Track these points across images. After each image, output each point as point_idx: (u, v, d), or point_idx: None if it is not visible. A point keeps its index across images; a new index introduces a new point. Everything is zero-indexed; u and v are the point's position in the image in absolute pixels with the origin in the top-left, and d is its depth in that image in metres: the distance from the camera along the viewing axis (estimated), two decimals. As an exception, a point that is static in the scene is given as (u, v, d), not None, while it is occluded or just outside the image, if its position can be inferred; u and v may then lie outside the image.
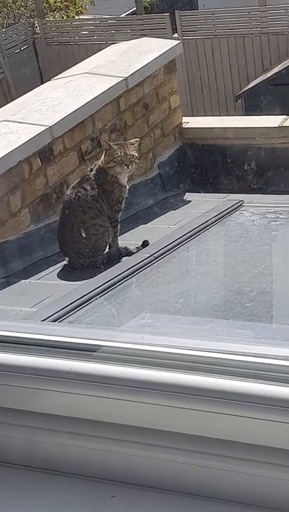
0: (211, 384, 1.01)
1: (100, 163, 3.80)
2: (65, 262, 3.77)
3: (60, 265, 3.78)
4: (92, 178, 3.75)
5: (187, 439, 1.02)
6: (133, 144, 3.82)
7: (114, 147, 3.75)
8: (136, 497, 1.03)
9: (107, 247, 3.79)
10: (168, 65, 4.89)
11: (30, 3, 14.58)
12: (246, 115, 9.97)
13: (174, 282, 3.22)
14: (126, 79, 4.52)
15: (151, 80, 4.77)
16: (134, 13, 14.36)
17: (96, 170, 3.77)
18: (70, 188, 3.80)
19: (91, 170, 3.80)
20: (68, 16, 14.98)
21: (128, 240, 3.92)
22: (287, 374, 1.04)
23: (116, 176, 3.74)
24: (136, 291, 3.19)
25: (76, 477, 1.06)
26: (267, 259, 3.37)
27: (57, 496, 1.05)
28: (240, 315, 2.70)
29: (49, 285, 3.53)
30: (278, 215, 3.89)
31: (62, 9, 15.06)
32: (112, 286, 3.14)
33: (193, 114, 10.95)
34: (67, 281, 3.61)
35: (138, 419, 1.04)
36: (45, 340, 1.13)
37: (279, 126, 4.85)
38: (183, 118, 5.15)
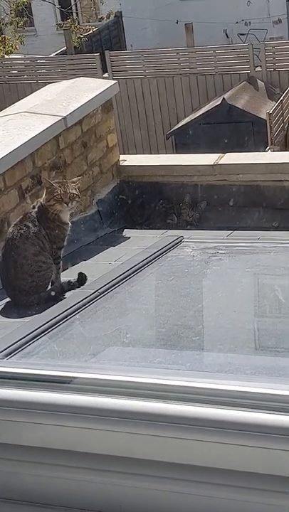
0: (189, 412, 1.05)
1: (41, 200, 3.82)
2: (7, 299, 3.76)
3: (2, 303, 3.77)
4: (34, 215, 3.77)
5: (169, 468, 1.05)
6: (74, 183, 3.86)
7: (55, 185, 3.79)
8: (121, 526, 1.04)
9: (50, 283, 3.80)
10: (105, 105, 4.98)
11: None
12: (176, 153, 10.16)
13: (120, 317, 3.25)
14: (65, 118, 4.57)
15: (89, 119, 4.84)
16: (64, 52, 14.51)
17: (38, 208, 3.80)
18: (13, 225, 3.80)
19: (33, 207, 3.82)
20: (-2, 55, 15.04)
21: (69, 276, 3.93)
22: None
23: (57, 214, 3.78)
24: (83, 327, 3.21)
25: (58, 508, 1.07)
26: (210, 293, 3.44)
27: (41, 528, 1.06)
28: (188, 348, 2.74)
29: (-7, 323, 3.51)
30: (218, 251, 3.98)
31: (-9, 48, 15.11)
32: (59, 322, 3.15)
33: (124, 152, 11.09)
34: (11, 318, 3.60)
35: (119, 449, 1.06)
36: (24, 373, 1.14)
37: (214, 164, 4.97)
38: (120, 156, 5.23)
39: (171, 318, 3.16)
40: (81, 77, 5.45)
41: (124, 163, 5.21)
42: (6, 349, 2.71)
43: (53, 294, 3.73)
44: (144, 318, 3.22)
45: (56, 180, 3.95)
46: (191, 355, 2.75)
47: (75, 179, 3.92)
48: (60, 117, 4.56)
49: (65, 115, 4.58)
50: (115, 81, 5.24)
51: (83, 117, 4.76)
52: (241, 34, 18.65)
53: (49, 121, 4.52)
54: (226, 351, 2.80)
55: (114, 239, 4.80)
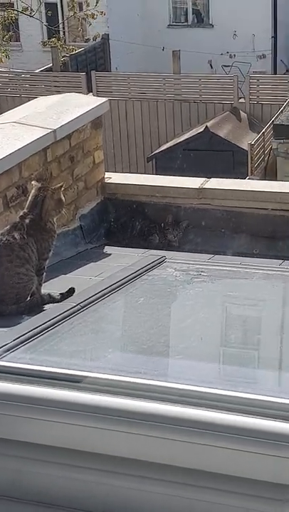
0: (205, 417, 1.04)
1: (37, 211, 3.79)
2: (-14, 308, 3.71)
3: (-19, 311, 3.72)
4: (25, 226, 3.72)
5: (182, 472, 1.04)
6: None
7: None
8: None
9: (31, 294, 3.77)
10: (95, 121, 4.98)
11: None
12: (156, 177, 10.18)
13: (102, 332, 3.23)
14: (54, 131, 4.57)
15: (79, 133, 4.84)
16: (48, 69, 14.54)
17: (30, 219, 3.75)
18: (-1, 234, 3.76)
19: (22, 217, 3.77)
20: (-17, 68, 15.03)
21: (49, 289, 3.90)
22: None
23: (53, 223, 3.80)
24: (63, 340, 3.18)
25: (67, 510, 1.05)
26: (192, 314, 3.44)
27: (45, 528, 1.04)
28: (172, 367, 2.74)
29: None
30: (200, 273, 3.98)
31: (-23, 60, 15.09)
32: (38, 334, 3.11)
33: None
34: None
35: (131, 451, 1.05)
36: (36, 370, 1.13)
37: (199, 188, 5.00)
38: (105, 173, 5.23)
39: (155, 335, 3.15)
40: (73, 93, 5.47)
41: (110, 181, 5.21)
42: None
43: (33, 305, 3.69)
44: (128, 334, 3.20)
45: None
46: (169, 371, 2.74)
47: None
48: (50, 130, 4.55)
49: (55, 128, 4.58)
50: (107, 99, 5.26)
51: (72, 132, 4.76)
52: (225, 66, 18.87)
53: (38, 133, 4.51)
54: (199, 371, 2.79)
55: (94, 255, 4.78)
